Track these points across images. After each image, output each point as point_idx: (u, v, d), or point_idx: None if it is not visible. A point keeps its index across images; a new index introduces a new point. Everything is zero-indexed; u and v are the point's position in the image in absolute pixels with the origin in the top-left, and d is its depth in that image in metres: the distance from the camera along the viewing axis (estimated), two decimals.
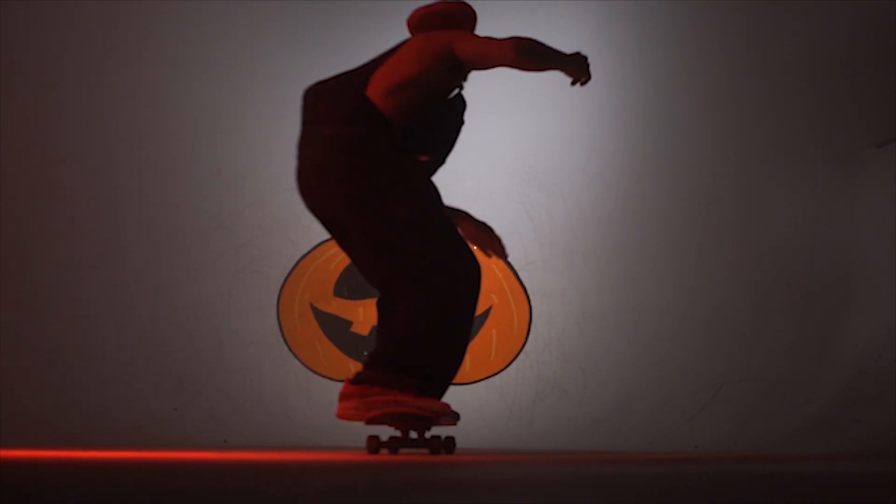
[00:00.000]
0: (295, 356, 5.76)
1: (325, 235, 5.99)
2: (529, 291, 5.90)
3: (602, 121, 6.13)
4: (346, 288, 5.90)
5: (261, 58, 6.13)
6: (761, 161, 6.02)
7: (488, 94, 6.14)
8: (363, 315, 5.84)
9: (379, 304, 3.19)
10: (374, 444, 3.21)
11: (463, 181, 6.07)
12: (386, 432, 3.48)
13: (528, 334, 5.82)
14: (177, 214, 5.91)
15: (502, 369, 5.75)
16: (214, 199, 5.95)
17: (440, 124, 3.18)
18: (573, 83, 3.25)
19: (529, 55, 3.09)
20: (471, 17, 3.44)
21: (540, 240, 5.98)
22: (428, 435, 3.21)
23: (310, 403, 5.62)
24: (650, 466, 2.82)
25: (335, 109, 3.05)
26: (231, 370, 5.65)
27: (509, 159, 6.04)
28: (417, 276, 2.98)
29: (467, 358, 5.66)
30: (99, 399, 5.46)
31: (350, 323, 5.84)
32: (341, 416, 3.14)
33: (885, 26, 5.95)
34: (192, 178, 5.97)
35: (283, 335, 5.79)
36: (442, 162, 3.32)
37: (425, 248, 3.04)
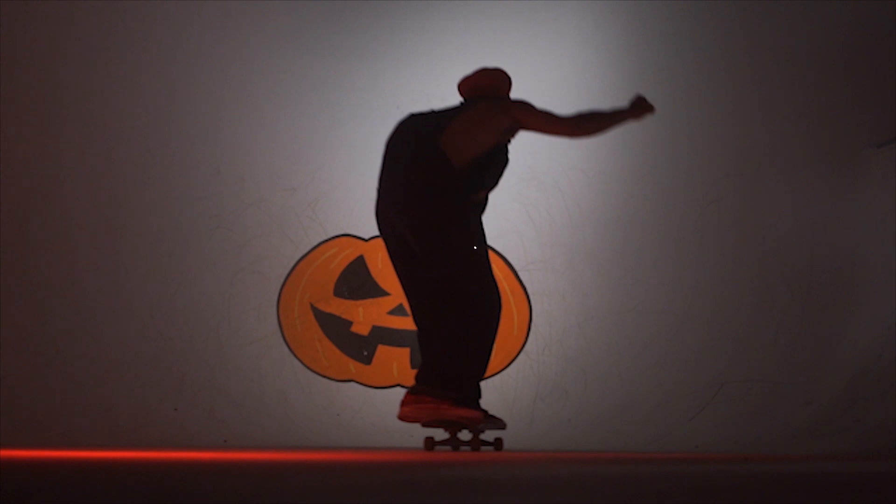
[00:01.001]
0: (295, 356, 5.76)
1: (325, 235, 6.01)
2: (529, 291, 5.90)
3: None
4: (346, 288, 5.90)
5: (260, 58, 6.13)
6: (761, 161, 6.02)
7: None
8: (363, 315, 5.84)
9: (420, 326, 3.78)
10: (429, 443, 3.79)
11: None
12: (434, 433, 4.11)
13: (528, 334, 5.82)
14: (177, 215, 5.91)
15: (503, 369, 5.75)
16: (214, 199, 5.95)
17: (493, 166, 3.82)
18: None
19: (589, 129, 3.82)
20: (508, 83, 4.08)
21: (540, 240, 5.98)
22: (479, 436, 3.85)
23: (310, 403, 5.62)
24: (650, 466, 2.82)
25: (416, 157, 3.63)
26: (231, 370, 5.65)
27: (509, 159, 6.02)
28: (460, 303, 3.58)
29: None
30: (99, 399, 5.46)
31: (350, 323, 5.84)
32: (402, 418, 3.73)
33: (885, 27, 5.96)
34: (191, 179, 5.97)
35: (283, 335, 5.79)
36: (490, 190, 3.93)
37: (468, 277, 3.68)
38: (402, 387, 5.69)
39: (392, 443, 5.44)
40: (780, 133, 6.05)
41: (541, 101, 6.10)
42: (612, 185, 6.02)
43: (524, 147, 6.09)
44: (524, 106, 3.76)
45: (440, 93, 6.04)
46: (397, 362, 5.76)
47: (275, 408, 5.57)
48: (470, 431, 3.84)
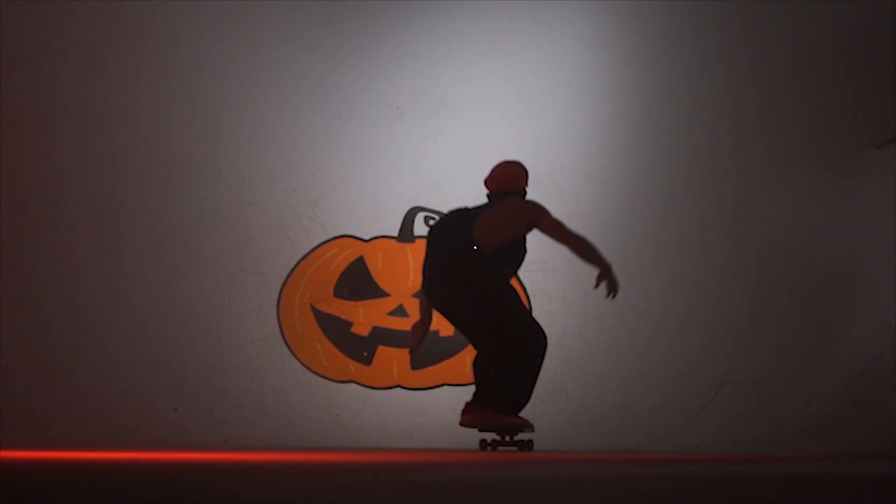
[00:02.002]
0: (295, 357, 5.76)
1: (325, 236, 6.01)
2: (530, 292, 5.90)
3: (601, 122, 6.13)
4: (346, 289, 5.90)
5: (260, 58, 6.13)
6: (761, 162, 6.02)
7: (489, 96, 6.15)
8: (363, 316, 5.84)
9: (477, 357, 4.59)
10: (483, 444, 4.61)
11: (463, 182, 6.06)
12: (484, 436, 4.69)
13: None
14: (177, 215, 5.91)
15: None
16: (214, 199, 5.95)
17: (515, 252, 4.64)
18: (605, 289, 4.72)
19: (581, 250, 4.69)
20: (526, 175, 4.86)
21: (540, 240, 5.97)
22: (517, 438, 4.60)
23: (310, 404, 5.62)
24: (651, 467, 2.82)
25: (454, 245, 4.50)
26: (231, 370, 5.65)
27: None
28: (507, 341, 4.45)
29: (467, 359, 5.70)
30: (99, 399, 5.46)
31: (350, 324, 5.84)
32: (464, 424, 4.51)
33: (884, 28, 5.96)
34: (192, 179, 5.97)
35: (283, 335, 5.79)
36: (513, 274, 4.81)
37: (511, 323, 4.48)
38: (402, 388, 5.70)
39: (392, 443, 5.44)
40: (779, 133, 6.05)
41: (541, 103, 6.13)
42: (611, 186, 6.02)
43: (524, 148, 6.10)
44: (542, 211, 4.65)
45: (440, 93, 6.05)
46: (397, 363, 5.76)
47: (275, 408, 5.57)
48: (514, 434, 4.60)
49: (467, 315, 4.53)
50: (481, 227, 4.49)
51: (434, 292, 4.56)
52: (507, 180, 4.77)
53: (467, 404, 4.50)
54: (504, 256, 4.56)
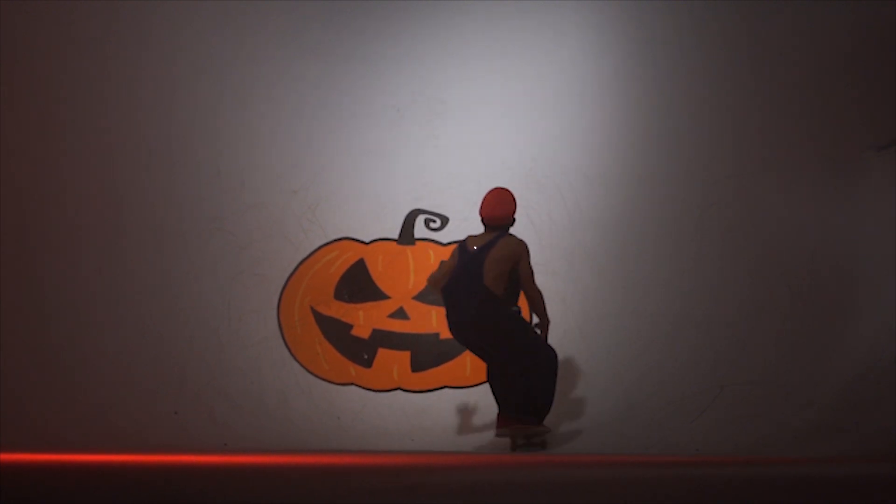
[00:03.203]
0: (295, 359, 5.75)
1: (326, 239, 6.01)
2: None
3: (602, 124, 6.13)
4: (346, 291, 5.90)
5: (260, 60, 6.14)
6: (761, 164, 6.02)
7: (489, 98, 6.15)
8: (363, 318, 5.84)
9: (493, 373, 5.20)
10: (514, 444, 5.17)
11: (464, 184, 6.07)
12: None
13: None
14: (178, 217, 5.91)
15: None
16: (215, 202, 5.95)
17: (516, 283, 5.15)
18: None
19: (540, 304, 5.21)
20: (515, 205, 5.26)
21: (541, 243, 5.98)
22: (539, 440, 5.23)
23: (310, 406, 5.61)
24: (651, 469, 2.82)
25: (472, 297, 5.02)
26: (231, 372, 5.65)
27: (510, 162, 6.04)
28: (529, 365, 5.09)
29: (468, 361, 5.71)
30: (99, 401, 5.46)
31: (350, 326, 5.83)
32: (499, 435, 5.14)
33: (886, 30, 5.96)
34: (192, 181, 5.97)
35: (283, 338, 5.79)
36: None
37: (530, 353, 5.11)
38: (403, 390, 5.69)
39: (392, 446, 5.44)
40: (780, 136, 6.05)
41: (541, 105, 6.13)
42: (612, 188, 6.02)
43: (525, 150, 6.10)
44: (525, 254, 5.17)
45: (440, 95, 6.06)
46: (397, 365, 5.75)
47: (275, 410, 5.57)
48: (537, 437, 5.20)
49: (495, 351, 5.13)
50: (489, 276, 5.05)
51: (462, 337, 5.16)
52: (501, 213, 5.21)
53: (500, 418, 5.12)
54: (512, 291, 5.15)
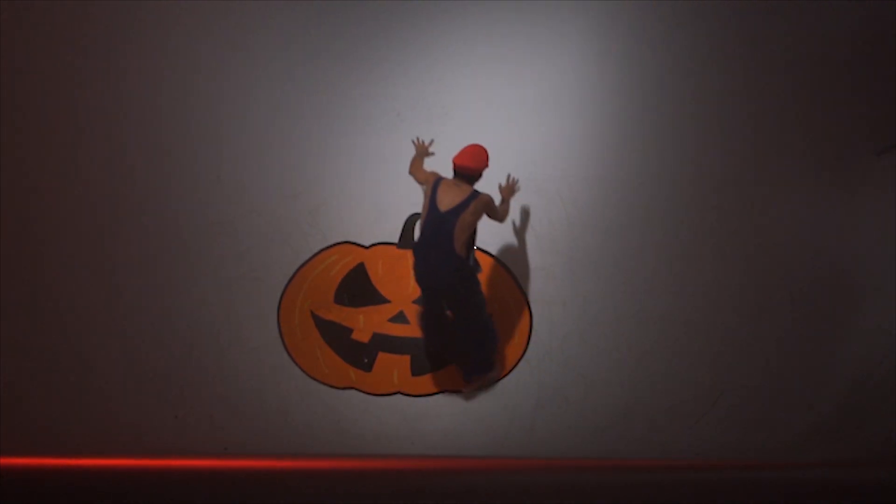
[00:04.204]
0: (295, 363, 5.75)
1: (326, 243, 6.01)
2: (530, 299, 5.90)
3: (602, 128, 6.14)
4: (346, 295, 5.90)
5: (260, 64, 6.15)
6: (762, 168, 6.03)
7: (489, 102, 6.16)
8: (363, 322, 5.84)
9: (450, 335, 5.62)
10: (466, 385, 5.65)
11: None
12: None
13: (528, 342, 5.82)
14: (177, 221, 5.91)
15: (503, 376, 5.74)
16: (215, 206, 5.96)
17: (473, 236, 5.45)
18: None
19: (505, 210, 5.61)
20: (488, 160, 5.44)
21: (541, 247, 5.99)
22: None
23: (310, 410, 5.61)
24: (652, 474, 2.81)
25: (445, 265, 5.28)
26: (232, 377, 5.65)
27: (510, 166, 6.04)
28: (479, 326, 5.52)
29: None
30: (99, 406, 5.45)
31: (350, 330, 5.83)
32: (469, 391, 5.58)
33: (886, 34, 5.97)
34: (192, 185, 5.97)
35: (283, 342, 5.79)
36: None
37: (482, 303, 5.50)
38: (403, 394, 5.69)
39: (392, 450, 5.44)
40: (780, 140, 6.07)
41: (541, 109, 6.14)
42: (612, 192, 6.03)
43: (525, 154, 6.11)
44: (496, 210, 5.47)
45: (440, 100, 6.07)
46: (398, 369, 5.75)
47: (275, 415, 5.57)
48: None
49: (456, 310, 5.47)
50: (459, 244, 5.28)
51: (426, 290, 5.41)
52: (473, 166, 5.36)
53: (464, 380, 5.59)
54: (470, 244, 5.40)
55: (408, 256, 6.00)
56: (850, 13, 6.03)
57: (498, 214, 5.51)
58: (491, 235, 6.02)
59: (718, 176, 6.03)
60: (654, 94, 6.16)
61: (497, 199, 5.62)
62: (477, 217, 5.34)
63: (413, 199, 6.00)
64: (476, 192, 5.35)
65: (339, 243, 6.00)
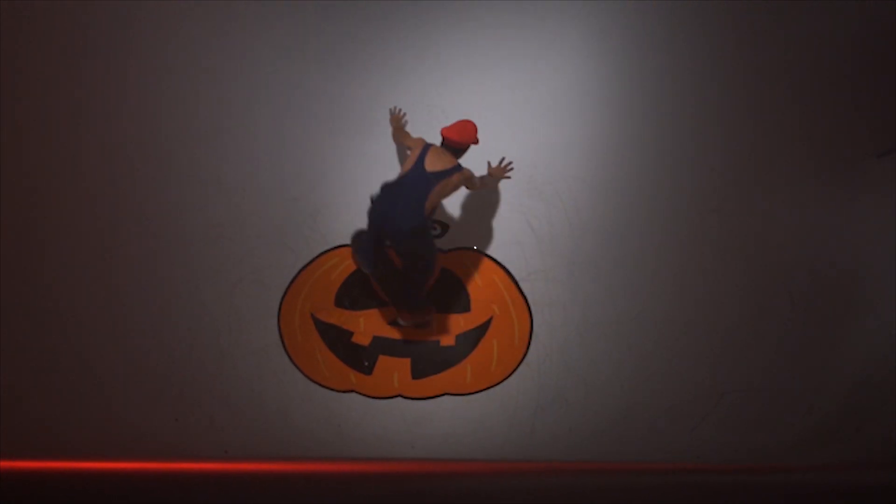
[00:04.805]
0: (296, 366, 5.75)
1: (326, 246, 6.01)
2: (531, 301, 5.90)
3: (602, 130, 6.15)
4: (347, 298, 5.90)
5: (261, 67, 6.15)
6: (763, 170, 6.03)
7: (489, 105, 6.17)
8: (364, 325, 5.84)
9: (396, 283, 5.75)
10: (395, 322, 5.82)
11: (464, 190, 6.08)
12: None
13: (529, 344, 5.82)
14: (178, 224, 5.91)
15: (503, 379, 5.74)
16: (215, 209, 5.96)
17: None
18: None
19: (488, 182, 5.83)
20: (476, 136, 5.69)
21: (541, 250, 5.99)
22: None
23: (310, 413, 5.61)
24: (652, 476, 2.82)
25: (407, 220, 5.42)
26: (232, 380, 5.65)
27: (511, 168, 6.04)
28: (421, 279, 5.64)
29: (468, 368, 5.72)
30: (99, 409, 5.45)
31: (351, 333, 5.83)
32: (404, 324, 5.76)
33: (886, 35, 5.98)
34: (192, 188, 5.98)
35: (283, 345, 5.79)
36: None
37: (431, 255, 5.62)
38: (403, 397, 5.69)
39: (393, 453, 5.44)
40: (780, 142, 6.07)
41: (541, 111, 6.15)
42: (612, 194, 6.03)
43: (525, 156, 6.11)
44: (475, 181, 5.67)
45: (441, 103, 6.07)
46: (398, 373, 5.75)
47: (275, 418, 5.57)
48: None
49: (404, 258, 5.59)
50: (429, 209, 5.45)
51: (375, 228, 5.53)
52: (459, 139, 5.59)
53: (402, 312, 5.73)
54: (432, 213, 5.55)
55: None
56: (852, 14, 6.04)
57: (474, 184, 5.66)
58: (491, 237, 6.02)
59: (719, 177, 6.04)
60: (655, 96, 6.16)
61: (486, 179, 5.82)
62: (454, 189, 5.55)
63: None
64: (459, 166, 5.58)
65: (339, 246, 6.00)
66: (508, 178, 5.87)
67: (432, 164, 5.54)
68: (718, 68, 6.17)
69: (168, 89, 6.09)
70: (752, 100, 6.13)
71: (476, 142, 5.67)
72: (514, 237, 6.00)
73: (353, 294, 5.89)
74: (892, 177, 5.87)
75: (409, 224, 5.44)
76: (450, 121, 5.83)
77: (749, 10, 6.16)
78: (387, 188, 5.53)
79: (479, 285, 5.93)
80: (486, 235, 6.01)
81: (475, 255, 6.00)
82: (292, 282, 5.91)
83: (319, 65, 6.18)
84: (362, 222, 5.87)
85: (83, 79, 6.04)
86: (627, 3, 6.22)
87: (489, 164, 5.86)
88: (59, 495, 1.91)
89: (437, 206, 5.62)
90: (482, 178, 5.77)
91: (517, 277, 5.95)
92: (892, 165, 5.87)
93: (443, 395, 5.71)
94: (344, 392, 5.72)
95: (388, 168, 5.99)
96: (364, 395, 5.71)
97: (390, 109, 5.98)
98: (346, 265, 5.97)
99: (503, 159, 5.86)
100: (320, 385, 5.72)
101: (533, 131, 6.13)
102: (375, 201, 5.54)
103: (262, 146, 6.08)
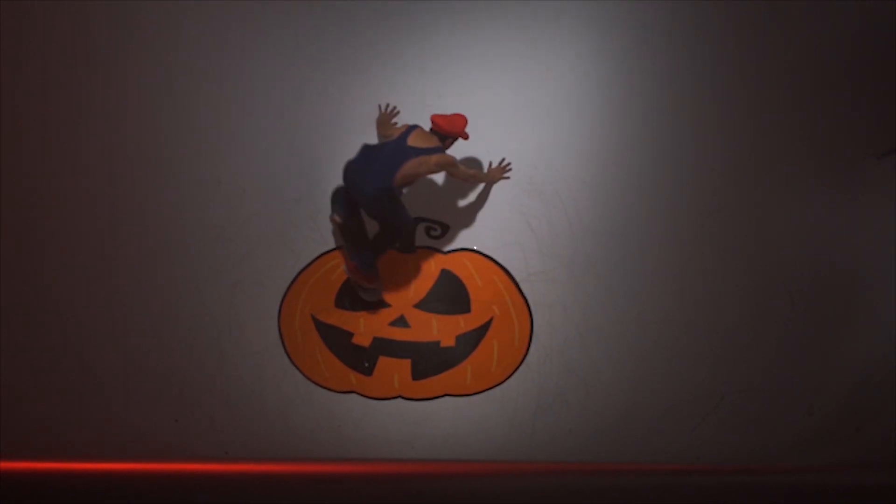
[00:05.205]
0: (296, 367, 5.75)
1: (327, 247, 6.02)
2: (531, 302, 5.90)
3: (602, 131, 6.15)
4: (347, 299, 5.90)
5: (261, 69, 6.15)
6: (763, 171, 6.03)
7: (489, 106, 6.17)
8: (364, 326, 5.84)
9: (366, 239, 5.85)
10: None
11: (464, 191, 6.09)
12: None
13: (529, 345, 5.82)
14: (178, 225, 5.91)
15: (504, 381, 5.74)
16: (215, 210, 5.96)
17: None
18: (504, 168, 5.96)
19: (477, 178, 5.88)
20: (464, 129, 5.75)
21: (541, 250, 5.99)
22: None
23: (311, 414, 5.62)
24: (652, 477, 2.82)
25: (375, 180, 5.49)
26: (232, 381, 5.65)
27: (510, 169, 6.05)
28: (382, 242, 5.75)
29: (468, 369, 5.72)
30: (99, 410, 5.46)
31: (351, 334, 5.84)
32: (348, 273, 5.81)
33: (886, 35, 5.98)
34: (192, 189, 5.98)
35: (284, 346, 5.79)
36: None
37: (398, 221, 5.70)
38: (403, 398, 5.70)
39: (393, 454, 5.44)
40: (780, 144, 6.07)
41: (542, 112, 6.15)
42: (613, 195, 6.03)
43: (525, 157, 6.11)
44: (455, 164, 5.66)
45: (441, 104, 6.07)
46: (398, 374, 5.75)
47: (276, 419, 5.57)
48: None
49: (369, 216, 5.69)
50: (399, 178, 5.49)
51: (347, 185, 5.58)
52: (446, 127, 5.67)
53: (346, 269, 5.80)
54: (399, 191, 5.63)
55: (409, 260, 6.00)
56: (852, 14, 6.04)
57: (458, 173, 5.68)
58: (492, 238, 6.02)
59: (719, 178, 6.04)
60: (655, 96, 6.16)
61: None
62: (431, 170, 5.57)
63: (414, 204, 6.00)
64: (441, 148, 5.65)
65: (340, 247, 6.00)
66: (507, 178, 5.92)
67: (414, 140, 5.61)
68: (718, 69, 6.17)
69: (168, 89, 6.09)
70: (752, 100, 6.13)
71: (464, 135, 5.70)
72: (514, 238, 6.00)
73: (353, 295, 5.89)
74: (892, 177, 5.87)
75: (373, 186, 5.47)
76: None
77: (749, 11, 6.16)
78: (366, 149, 5.61)
79: (480, 286, 5.93)
80: (487, 236, 6.01)
81: (475, 255, 6.00)
82: (293, 282, 5.91)
83: (321, 66, 6.19)
84: None
85: (83, 78, 6.04)
86: (628, 4, 6.23)
87: (490, 164, 5.91)
88: (58, 496, 1.91)
89: (411, 182, 5.61)
90: (476, 172, 5.82)
91: (517, 278, 5.95)
92: (893, 166, 5.87)
93: (443, 395, 5.72)
94: (344, 393, 5.72)
95: None
96: (364, 395, 5.71)
97: (379, 105, 6.01)
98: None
99: (503, 160, 5.89)
100: (320, 386, 5.72)
101: (533, 132, 6.13)
102: (351, 160, 5.60)
103: (262, 147, 6.08)
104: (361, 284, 5.81)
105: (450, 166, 5.64)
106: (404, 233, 5.84)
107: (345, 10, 6.23)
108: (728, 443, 5.22)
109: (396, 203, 5.65)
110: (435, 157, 5.57)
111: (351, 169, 5.59)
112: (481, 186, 6.08)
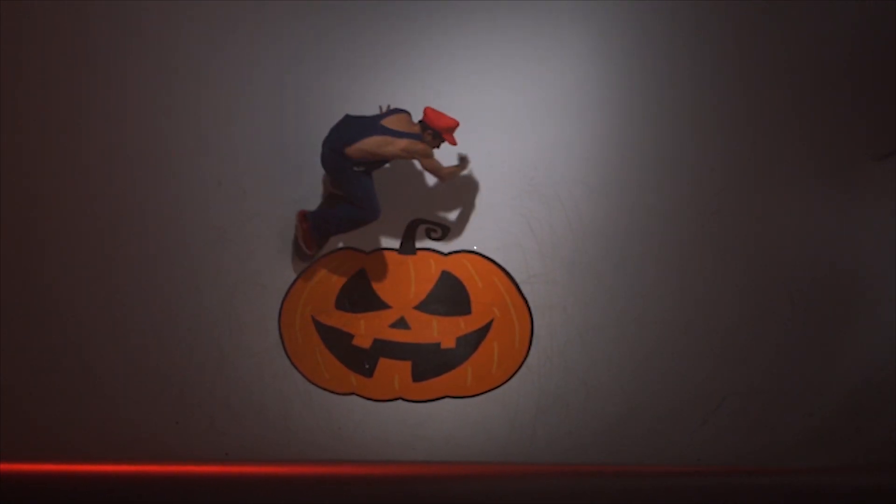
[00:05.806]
0: (296, 369, 5.75)
1: (326, 249, 6.01)
2: (531, 304, 5.90)
3: (602, 132, 6.15)
4: (347, 301, 5.90)
5: (261, 70, 6.15)
6: (763, 173, 6.03)
7: (490, 107, 6.17)
8: (364, 328, 5.84)
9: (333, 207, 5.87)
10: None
11: (464, 193, 6.08)
12: None
13: (529, 347, 5.82)
14: (178, 226, 5.91)
15: (504, 382, 5.74)
16: (216, 211, 5.95)
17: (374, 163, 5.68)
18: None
19: (445, 171, 5.82)
20: (451, 128, 5.69)
21: (542, 252, 5.98)
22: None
23: (311, 416, 5.61)
24: (653, 479, 2.82)
25: (336, 144, 5.61)
26: (232, 382, 5.65)
27: (510, 172, 6.05)
28: (335, 214, 5.77)
29: (469, 371, 5.71)
30: (99, 410, 5.45)
31: (351, 336, 5.83)
32: (297, 223, 5.87)
33: (886, 35, 5.98)
34: (193, 190, 5.97)
35: (284, 348, 5.79)
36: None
37: (357, 199, 5.69)
38: (404, 400, 5.70)
39: (393, 456, 5.43)
40: (780, 145, 6.07)
41: (542, 113, 6.15)
42: (613, 197, 6.03)
43: (525, 159, 6.11)
44: (427, 156, 5.63)
45: (440, 104, 6.06)
46: (399, 375, 5.75)
47: (276, 420, 5.57)
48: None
49: (340, 181, 5.71)
50: (356, 149, 5.52)
51: (326, 165, 5.69)
52: (430, 116, 5.60)
53: (297, 219, 5.82)
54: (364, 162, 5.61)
55: (409, 262, 6.00)
56: (852, 14, 6.04)
57: (431, 165, 5.67)
58: (492, 240, 6.02)
59: (719, 179, 6.04)
60: (655, 98, 6.16)
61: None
62: (397, 153, 5.54)
63: (414, 206, 6.01)
64: (417, 136, 5.62)
65: (340, 249, 6.00)
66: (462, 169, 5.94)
67: (391, 122, 5.64)
68: (719, 69, 6.17)
69: (168, 90, 6.09)
70: (752, 100, 6.14)
71: (448, 136, 5.63)
72: (514, 239, 6.00)
73: (353, 297, 5.89)
74: (892, 178, 5.87)
75: (328, 147, 5.63)
76: None
77: (749, 11, 6.16)
78: (347, 118, 5.72)
79: (480, 288, 5.93)
80: (487, 237, 6.01)
81: (476, 257, 6.00)
82: (293, 284, 5.91)
83: (321, 67, 6.18)
84: None
85: (83, 79, 6.04)
86: (628, 5, 6.23)
87: (459, 155, 6.01)
88: (58, 498, 1.91)
89: (371, 159, 5.58)
90: (450, 169, 5.80)
91: (518, 280, 5.95)
92: (892, 166, 5.87)
93: (443, 397, 5.71)
94: (344, 394, 5.72)
95: (388, 171, 5.99)
96: (364, 397, 5.71)
97: (380, 106, 5.98)
98: (347, 268, 5.97)
99: (464, 157, 6.00)
100: (321, 387, 5.71)
101: (534, 133, 6.13)
102: (332, 127, 5.71)
103: (263, 147, 6.07)
104: (299, 239, 5.84)
105: (419, 155, 5.60)
106: (354, 213, 5.74)
107: (345, 11, 6.23)
108: (729, 444, 5.22)
109: (346, 174, 5.64)
110: (404, 142, 5.55)
111: (328, 137, 5.71)
112: (481, 187, 6.07)
